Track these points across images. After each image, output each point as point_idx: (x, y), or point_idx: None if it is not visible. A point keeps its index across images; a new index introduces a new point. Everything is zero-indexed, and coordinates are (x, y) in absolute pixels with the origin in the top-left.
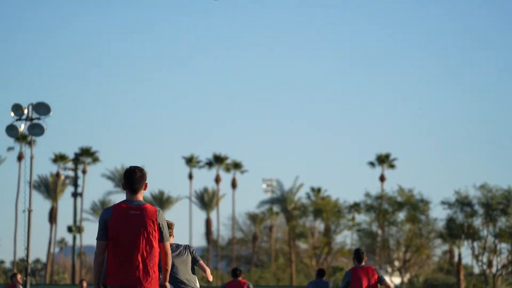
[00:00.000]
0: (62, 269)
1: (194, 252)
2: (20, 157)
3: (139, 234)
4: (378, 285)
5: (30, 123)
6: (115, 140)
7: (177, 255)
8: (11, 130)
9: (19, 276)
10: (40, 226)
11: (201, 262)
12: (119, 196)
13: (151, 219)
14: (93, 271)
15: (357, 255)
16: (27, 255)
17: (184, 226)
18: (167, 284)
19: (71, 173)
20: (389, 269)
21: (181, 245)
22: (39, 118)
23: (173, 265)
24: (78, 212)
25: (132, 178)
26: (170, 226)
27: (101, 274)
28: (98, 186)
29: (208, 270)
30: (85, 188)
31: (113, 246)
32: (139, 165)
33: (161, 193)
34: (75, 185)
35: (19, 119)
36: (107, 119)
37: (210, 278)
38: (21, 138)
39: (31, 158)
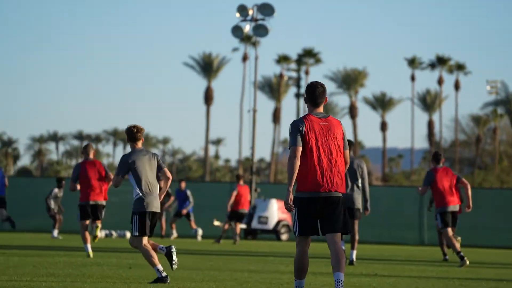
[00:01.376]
0: (286, 168)
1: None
2: (244, 58)
3: (331, 143)
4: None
5: (255, 24)
6: (337, 41)
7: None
8: (236, 31)
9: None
10: (264, 126)
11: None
12: (341, 98)
13: (337, 129)
14: (288, 174)
15: (436, 156)
16: (252, 155)
17: (406, 128)
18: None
19: (294, 74)
20: None
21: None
22: (263, 19)
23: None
24: (301, 113)
25: (315, 93)
26: (139, 130)
27: (295, 179)
28: None
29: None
30: None
31: (307, 154)
32: (359, 67)
33: (383, 95)
34: (298, 86)
35: (244, 20)
36: (329, 20)
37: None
38: (245, 39)
39: (256, 58)
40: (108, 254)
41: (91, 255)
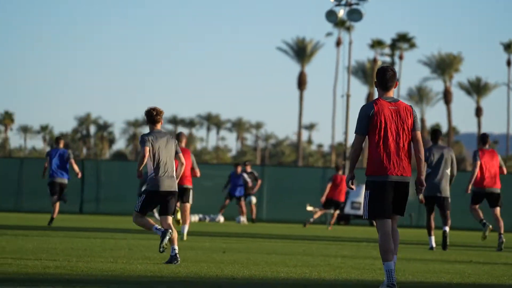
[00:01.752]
0: None
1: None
2: (338, 43)
3: (399, 127)
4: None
5: (349, 8)
6: (432, 26)
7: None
8: (331, 15)
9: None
10: (357, 111)
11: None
12: (435, 83)
13: (408, 113)
14: (349, 161)
15: (483, 138)
16: (345, 140)
17: (502, 113)
18: (423, 178)
19: (388, 59)
20: None
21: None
22: (357, 4)
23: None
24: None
25: (385, 77)
26: (159, 113)
27: (356, 162)
28: (414, 72)
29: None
30: (401, 74)
31: (376, 139)
32: (453, 52)
33: (478, 80)
34: None
35: (338, 5)
36: (424, 4)
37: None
38: (339, 23)
39: (350, 43)
40: (202, 238)
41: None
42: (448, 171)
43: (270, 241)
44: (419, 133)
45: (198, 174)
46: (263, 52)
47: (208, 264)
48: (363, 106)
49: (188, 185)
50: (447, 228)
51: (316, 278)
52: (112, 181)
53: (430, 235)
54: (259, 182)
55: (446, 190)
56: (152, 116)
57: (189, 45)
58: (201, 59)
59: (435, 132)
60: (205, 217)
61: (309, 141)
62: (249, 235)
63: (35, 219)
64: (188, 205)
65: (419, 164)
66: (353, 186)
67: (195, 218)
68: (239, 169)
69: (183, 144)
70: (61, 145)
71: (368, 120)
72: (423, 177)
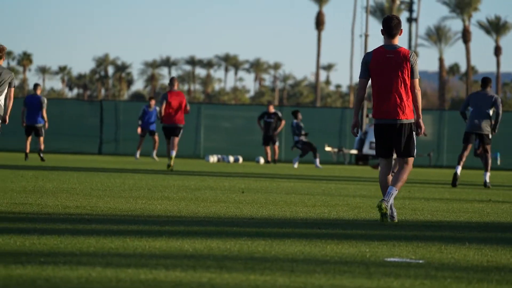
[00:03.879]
0: None
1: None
2: None
3: (395, 75)
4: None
5: None
6: None
7: None
8: None
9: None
10: None
11: None
12: (454, 22)
13: (405, 60)
14: (354, 105)
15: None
16: None
17: None
18: (421, 121)
19: None
20: None
21: None
22: None
23: None
24: (413, 38)
25: (390, 25)
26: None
27: (359, 107)
28: (433, 11)
29: None
30: (420, 13)
31: (374, 85)
32: None
33: (497, 18)
34: (410, 10)
35: None
36: None
37: None
38: None
39: None
40: (221, 178)
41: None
42: (490, 111)
43: (289, 181)
44: (415, 81)
45: (188, 109)
46: None
47: (227, 204)
48: (365, 54)
49: (180, 124)
50: (487, 178)
51: (335, 218)
52: (130, 122)
53: (458, 164)
54: (283, 122)
55: (486, 128)
56: None
57: None
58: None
59: (484, 79)
60: (223, 157)
61: (327, 82)
62: (268, 176)
63: (55, 160)
64: (176, 139)
65: (416, 108)
66: (356, 133)
67: (213, 158)
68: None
69: (175, 88)
70: (38, 91)
71: (366, 67)
72: (420, 120)
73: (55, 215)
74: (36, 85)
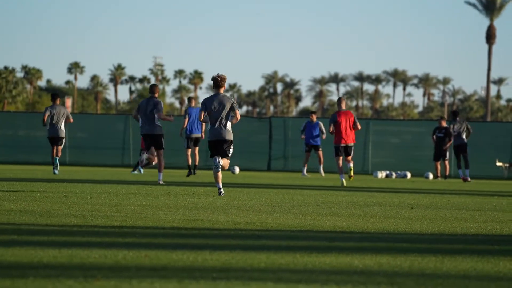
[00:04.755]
0: None
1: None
2: None
3: None
4: None
5: None
6: None
7: None
8: None
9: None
10: None
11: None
12: None
13: None
14: None
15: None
16: None
17: None
18: None
19: None
20: None
21: None
22: None
23: None
24: None
25: None
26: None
27: None
28: None
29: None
30: None
31: None
32: None
33: None
34: None
35: None
36: None
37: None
38: None
39: None
40: (389, 194)
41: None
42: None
43: (459, 197)
44: None
45: (358, 127)
46: (451, 6)
47: (396, 220)
48: None
49: (351, 143)
50: None
51: (508, 234)
52: (298, 138)
53: None
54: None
55: None
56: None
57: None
58: (381, 13)
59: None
60: (391, 173)
61: (498, 96)
62: (437, 191)
63: (226, 176)
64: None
65: None
66: None
67: (382, 174)
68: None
69: (343, 107)
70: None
71: None
72: None
73: (226, 231)
74: (190, 98)
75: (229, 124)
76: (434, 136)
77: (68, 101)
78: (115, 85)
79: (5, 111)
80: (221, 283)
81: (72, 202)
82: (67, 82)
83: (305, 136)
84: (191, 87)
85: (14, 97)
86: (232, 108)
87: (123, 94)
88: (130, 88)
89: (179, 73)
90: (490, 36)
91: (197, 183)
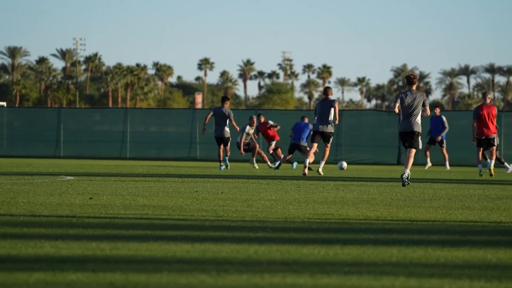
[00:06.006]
0: None
1: None
2: None
3: None
4: None
5: None
6: None
7: None
8: None
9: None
10: None
11: None
12: None
13: None
14: None
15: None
16: None
17: None
18: None
19: None
20: None
21: None
22: None
23: None
24: None
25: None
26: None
27: None
28: None
29: None
30: None
31: None
32: None
33: None
34: None
35: None
36: None
37: None
38: None
39: None
40: None
41: None
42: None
43: None
44: None
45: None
46: None
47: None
48: None
49: (493, 135)
50: None
51: None
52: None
53: None
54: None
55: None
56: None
57: None
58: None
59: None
60: None
61: None
62: None
63: (355, 170)
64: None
65: None
66: None
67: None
68: (438, 110)
69: (488, 101)
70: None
71: None
72: None
73: (357, 225)
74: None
75: (418, 118)
76: None
77: (199, 97)
78: (244, 81)
79: (137, 108)
80: (353, 278)
81: (204, 198)
82: (197, 78)
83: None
84: (320, 81)
85: (146, 93)
86: (423, 104)
87: (253, 89)
88: (259, 84)
89: (308, 67)
90: None
91: (327, 177)
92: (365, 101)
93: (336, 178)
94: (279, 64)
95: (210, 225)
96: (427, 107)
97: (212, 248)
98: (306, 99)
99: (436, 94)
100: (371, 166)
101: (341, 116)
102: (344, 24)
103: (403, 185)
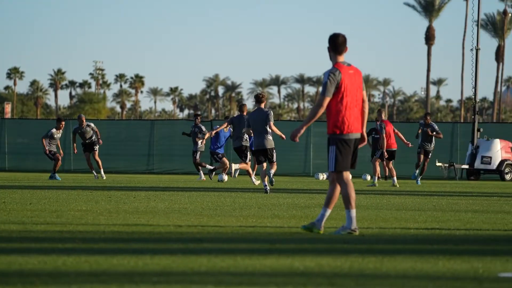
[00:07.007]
0: (510, 107)
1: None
2: None
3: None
4: None
5: None
6: None
7: None
8: None
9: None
10: (486, 64)
11: None
12: None
13: (360, 75)
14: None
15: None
16: (475, 94)
17: None
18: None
19: None
20: None
21: None
22: None
23: None
24: None
25: (337, 42)
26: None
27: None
28: None
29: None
30: None
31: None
32: None
33: None
34: None
35: None
36: None
37: None
38: None
39: None
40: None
41: None
42: None
43: (399, 197)
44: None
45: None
46: (390, 8)
47: (337, 222)
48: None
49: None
50: None
51: (446, 234)
52: None
53: None
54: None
55: None
56: None
57: (313, 7)
58: (325, 17)
59: None
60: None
61: (438, 97)
62: (377, 192)
63: (168, 180)
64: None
65: (363, 118)
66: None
67: (323, 176)
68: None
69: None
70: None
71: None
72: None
73: (167, 235)
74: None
75: (268, 134)
76: (369, 138)
77: (8, 107)
78: (55, 90)
79: None
80: (162, 287)
81: (12, 209)
82: (6, 88)
83: None
84: (132, 91)
85: None
86: (268, 119)
87: (64, 99)
88: (70, 93)
89: (120, 77)
90: (429, 37)
91: (139, 187)
92: (177, 110)
93: (148, 189)
94: (91, 74)
95: (17, 237)
96: (271, 122)
97: (18, 260)
98: (118, 108)
99: (249, 104)
100: (182, 176)
101: (154, 126)
102: (155, 33)
103: (266, 192)
